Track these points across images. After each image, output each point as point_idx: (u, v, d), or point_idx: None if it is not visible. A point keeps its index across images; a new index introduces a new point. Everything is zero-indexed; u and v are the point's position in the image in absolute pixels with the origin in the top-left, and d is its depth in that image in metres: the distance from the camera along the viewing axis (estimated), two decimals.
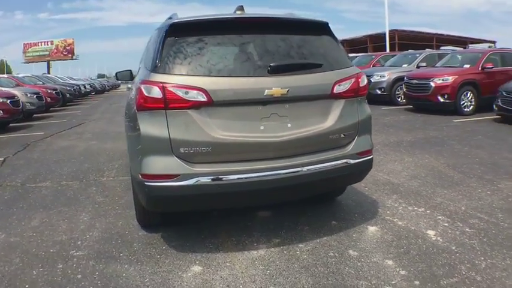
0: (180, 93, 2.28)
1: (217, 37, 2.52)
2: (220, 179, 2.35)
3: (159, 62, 2.36)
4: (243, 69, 2.45)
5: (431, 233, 2.87)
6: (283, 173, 2.46)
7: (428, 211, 3.27)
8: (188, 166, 2.32)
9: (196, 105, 2.31)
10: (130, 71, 4.79)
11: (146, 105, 2.32)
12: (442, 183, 3.99)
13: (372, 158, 2.88)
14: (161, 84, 2.29)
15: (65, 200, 3.78)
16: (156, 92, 2.29)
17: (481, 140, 6.01)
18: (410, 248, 2.66)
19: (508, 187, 3.81)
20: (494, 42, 29.31)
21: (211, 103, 2.32)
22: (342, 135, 2.67)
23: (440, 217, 3.14)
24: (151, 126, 2.32)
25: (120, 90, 33.65)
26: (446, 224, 3.00)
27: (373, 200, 3.56)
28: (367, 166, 2.86)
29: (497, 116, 7.75)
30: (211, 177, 2.34)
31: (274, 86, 2.40)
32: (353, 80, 2.70)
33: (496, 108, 7.57)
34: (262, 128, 2.42)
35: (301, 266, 2.45)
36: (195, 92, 2.29)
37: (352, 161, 2.71)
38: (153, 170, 2.31)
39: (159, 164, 2.32)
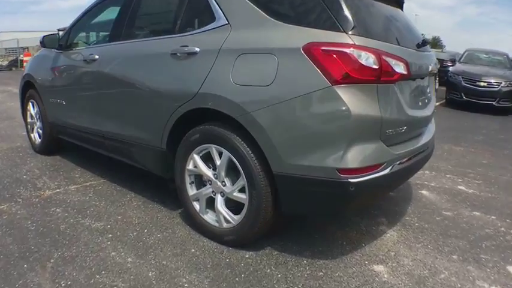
0: (391, 63, 1.83)
1: (374, 3, 2.10)
2: (409, 160, 2.06)
3: (353, 22, 1.76)
4: (409, 42, 2.20)
5: (462, 188, 3.39)
6: (429, 146, 2.40)
7: (434, 173, 3.76)
8: (391, 151, 1.90)
9: (399, 79, 1.92)
10: (58, 34, 3.38)
11: (357, 76, 1.71)
12: None
13: None
14: (376, 51, 1.76)
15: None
16: (372, 61, 1.74)
17: None
18: (471, 200, 3.11)
19: (458, 150, 4.83)
20: None
21: (409, 77, 2.01)
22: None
23: (448, 176, 3.68)
24: (363, 105, 1.73)
25: None
26: (460, 180, 3.57)
27: None
28: None
29: None
30: (404, 159, 2.00)
31: (430, 62, 2.33)
32: None
33: None
34: (420, 104, 2.28)
35: (440, 233, 2.44)
36: (399, 63, 1.88)
37: None
38: (361, 161, 1.74)
39: (367, 153, 1.77)
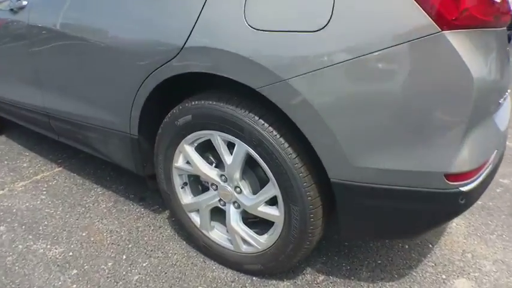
0: None
1: None
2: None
3: None
4: None
5: (509, 143, 2.80)
6: None
7: None
8: (500, 131, 1.20)
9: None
10: None
11: (479, 15, 0.96)
12: None
13: None
14: None
15: None
16: None
17: None
18: None
19: None
20: None
21: None
22: None
23: None
24: (485, 64, 0.99)
25: None
26: None
27: None
28: None
29: None
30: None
31: None
32: None
33: None
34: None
35: (510, 213, 1.88)
36: None
37: None
38: (478, 158, 1.04)
39: (483, 141, 1.07)
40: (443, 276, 1.50)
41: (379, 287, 1.42)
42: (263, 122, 1.15)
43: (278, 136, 1.14)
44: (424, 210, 1.08)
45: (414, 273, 1.50)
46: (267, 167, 1.19)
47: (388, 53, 0.94)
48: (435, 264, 1.55)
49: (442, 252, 1.62)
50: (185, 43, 1.22)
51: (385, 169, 1.03)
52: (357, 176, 1.06)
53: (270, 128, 1.15)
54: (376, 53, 0.95)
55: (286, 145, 1.13)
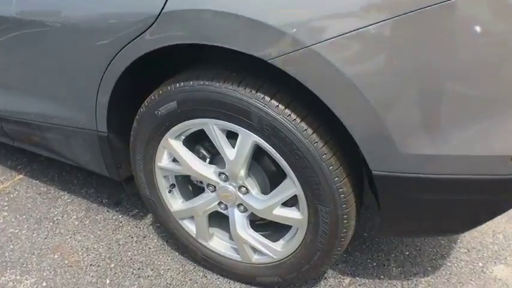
0: None
1: None
2: None
3: None
4: None
5: None
6: None
7: None
8: None
9: None
10: None
11: None
12: None
13: None
14: None
15: None
16: None
17: None
18: None
19: None
20: None
21: None
22: None
23: None
24: None
25: None
26: None
27: None
28: None
29: None
30: None
31: None
32: None
33: None
34: None
35: None
36: None
37: None
38: None
39: None
40: (480, 264, 1.32)
41: (415, 284, 1.24)
42: (277, 104, 0.88)
43: (299, 120, 0.88)
44: (483, 200, 0.86)
45: (449, 263, 1.31)
46: (285, 161, 0.93)
47: (444, 7, 0.69)
48: (468, 250, 1.38)
49: (472, 235, 1.44)
50: (163, 7, 0.92)
51: (442, 155, 0.80)
52: (408, 166, 0.82)
53: (287, 111, 0.88)
54: (430, 8, 0.70)
55: (310, 131, 0.88)
